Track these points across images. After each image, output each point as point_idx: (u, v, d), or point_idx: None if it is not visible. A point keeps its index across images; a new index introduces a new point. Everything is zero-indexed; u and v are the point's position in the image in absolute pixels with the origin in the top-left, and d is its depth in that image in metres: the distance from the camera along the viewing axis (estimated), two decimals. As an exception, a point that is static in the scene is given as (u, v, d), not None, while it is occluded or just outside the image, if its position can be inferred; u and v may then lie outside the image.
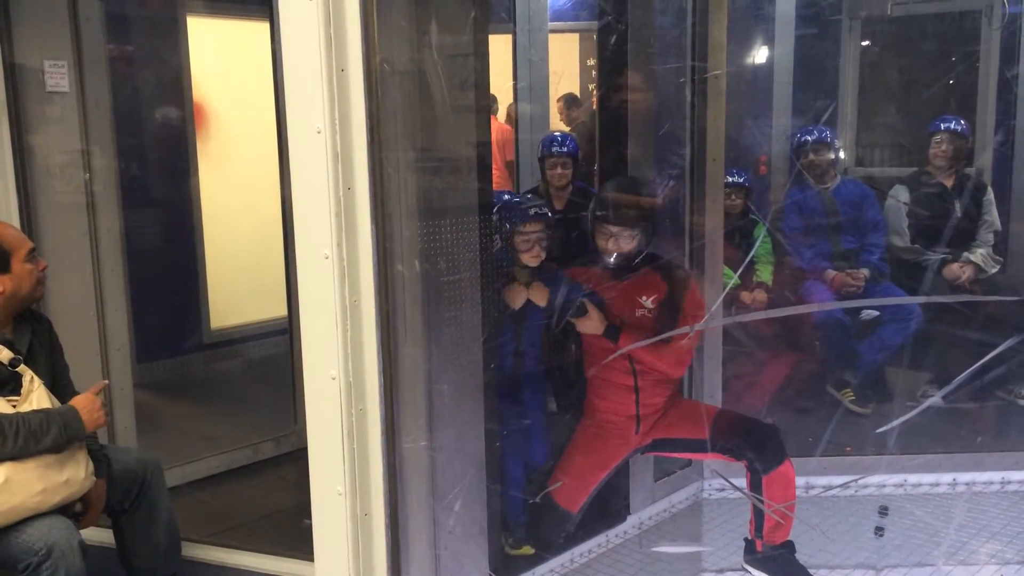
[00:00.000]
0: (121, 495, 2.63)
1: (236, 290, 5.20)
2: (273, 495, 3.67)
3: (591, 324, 3.00)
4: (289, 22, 1.79)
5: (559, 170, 4.33)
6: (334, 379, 1.75)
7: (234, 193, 5.21)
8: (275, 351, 5.03)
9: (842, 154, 5.40)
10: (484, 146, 2.73)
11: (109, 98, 3.46)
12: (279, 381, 4.24)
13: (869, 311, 2.63)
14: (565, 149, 4.33)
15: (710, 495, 3.66)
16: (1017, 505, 3.62)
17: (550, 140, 4.48)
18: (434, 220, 2.43)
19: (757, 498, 2.94)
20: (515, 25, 5.08)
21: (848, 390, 4.33)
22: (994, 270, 4.35)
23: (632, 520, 3.38)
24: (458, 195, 2.57)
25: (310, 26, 1.75)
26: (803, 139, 4.52)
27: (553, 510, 3.06)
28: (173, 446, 3.89)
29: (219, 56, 5.20)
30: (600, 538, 3.27)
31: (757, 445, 2.98)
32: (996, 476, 3.65)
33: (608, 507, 3.33)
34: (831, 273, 4.33)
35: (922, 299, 2.58)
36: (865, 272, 4.29)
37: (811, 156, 4.46)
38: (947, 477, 3.58)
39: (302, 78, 1.76)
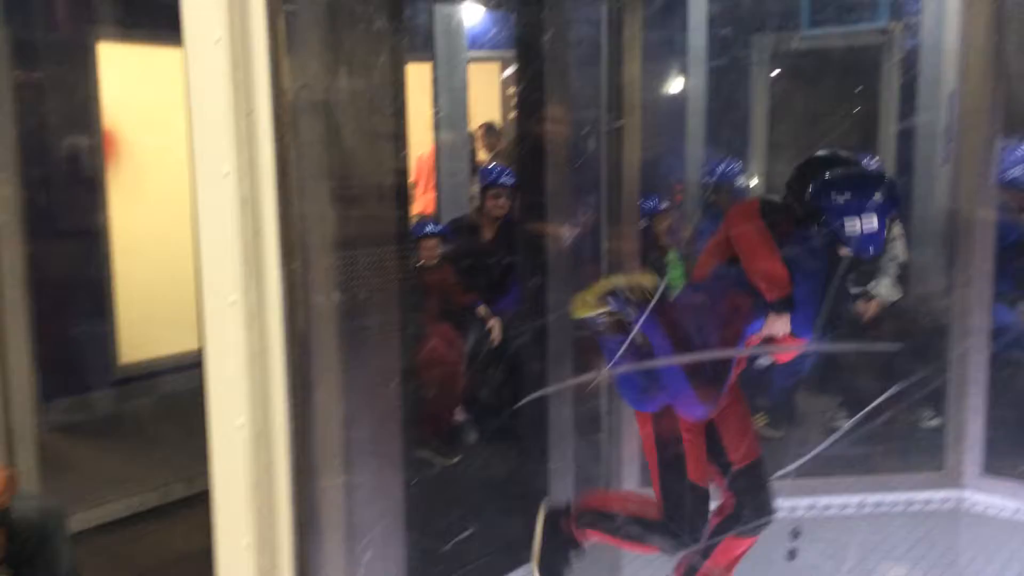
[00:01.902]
0: (20, 545, 2.52)
1: (150, 323, 5.06)
2: (182, 538, 3.57)
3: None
4: (195, 64, 1.76)
5: (501, 201, 4.39)
6: (241, 427, 1.72)
7: (148, 223, 5.08)
8: (189, 385, 4.89)
9: (755, 181, 5.57)
10: (402, 175, 2.75)
11: (13, 127, 3.35)
12: (192, 417, 4.13)
13: (762, 360, 2.73)
14: (508, 180, 4.39)
15: (629, 523, 3.69)
16: (922, 525, 3.75)
17: (494, 171, 4.54)
18: (352, 251, 2.42)
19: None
20: (434, 54, 5.11)
21: (762, 414, 4.44)
22: (897, 298, 4.53)
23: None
24: (377, 225, 2.57)
25: (216, 68, 1.72)
26: (715, 173, 4.70)
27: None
28: (78, 489, 3.75)
29: (133, 83, 5.08)
30: (518, 573, 3.26)
31: (759, 507, 2.94)
32: (901, 497, 3.79)
33: (521, 541, 3.33)
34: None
35: (812, 348, 2.71)
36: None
37: (722, 192, 4.64)
38: (855, 499, 3.69)
39: (209, 121, 1.74)
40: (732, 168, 4.85)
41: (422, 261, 4.18)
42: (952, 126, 4.07)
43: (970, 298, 3.80)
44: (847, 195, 2.70)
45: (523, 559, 3.27)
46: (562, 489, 3.40)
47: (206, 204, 1.76)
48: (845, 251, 2.76)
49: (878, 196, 2.70)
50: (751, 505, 2.92)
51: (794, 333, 2.74)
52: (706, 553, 2.98)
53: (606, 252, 3.70)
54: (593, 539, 3.03)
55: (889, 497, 3.69)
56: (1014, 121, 3.99)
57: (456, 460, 4.05)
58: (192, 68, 1.77)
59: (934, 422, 4.12)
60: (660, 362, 2.78)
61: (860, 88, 5.46)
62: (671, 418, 2.83)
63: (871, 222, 2.66)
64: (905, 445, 4.07)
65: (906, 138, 4.81)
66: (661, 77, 5.32)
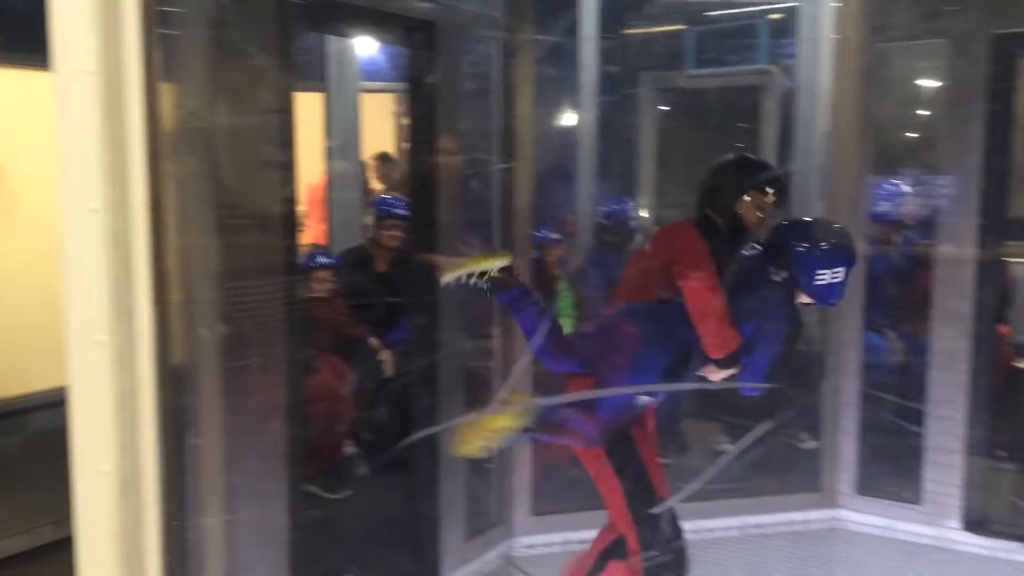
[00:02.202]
0: None
1: (20, 356, 4.81)
2: (52, 584, 3.41)
3: None
4: (64, 95, 1.71)
5: (395, 232, 4.38)
6: (106, 474, 1.66)
7: (21, 252, 4.84)
8: (60, 423, 4.66)
9: (644, 213, 5.72)
10: (290, 204, 2.72)
11: None
12: (64, 456, 3.94)
13: (644, 397, 2.79)
14: (402, 212, 4.39)
15: (521, 553, 3.71)
16: (801, 544, 3.89)
17: (388, 202, 4.52)
18: (237, 283, 2.38)
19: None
20: (327, 83, 5.08)
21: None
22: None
23: (443, 584, 3.37)
24: (264, 256, 2.54)
25: (87, 100, 1.67)
26: (607, 213, 4.82)
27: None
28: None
29: (10, 108, 4.86)
30: (411, 605, 3.24)
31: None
32: (781, 518, 3.92)
33: (419, 570, 3.31)
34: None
35: (688, 386, 2.81)
36: None
37: (612, 232, 4.77)
38: (737, 521, 3.81)
39: (78, 154, 1.68)
40: (625, 208, 4.98)
41: (313, 292, 4.12)
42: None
43: (843, 327, 4.00)
44: (822, 247, 2.80)
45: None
46: (454, 521, 3.40)
47: (73, 241, 1.70)
48: (805, 300, 2.84)
49: (847, 248, 2.83)
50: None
51: (744, 377, 2.80)
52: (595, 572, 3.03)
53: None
54: None
55: (769, 518, 3.82)
56: (881, 160, 4.23)
57: (344, 495, 3.99)
58: (61, 99, 1.72)
59: (811, 445, 4.29)
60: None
61: (742, 126, 5.69)
62: (626, 440, 2.86)
63: (839, 274, 2.78)
64: (784, 468, 4.23)
65: (784, 175, 5.03)
66: (553, 111, 5.43)
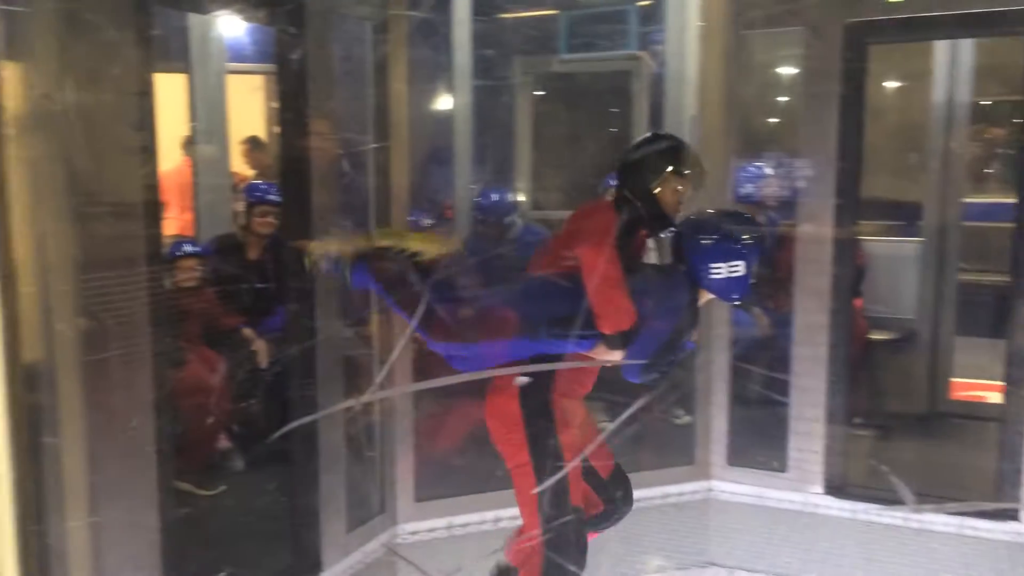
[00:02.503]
0: None
1: None
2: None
3: None
4: None
5: (268, 219, 4.26)
6: (-47, 478, 1.55)
7: None
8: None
9: (521, 198, 5.75)
10: (152, 190, 2.60)
11: None
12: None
13: (521, 378, 2.78)
14: (276, 198, 4.27)
15: (404, 540, 3.69)
16: (674, 516, 4.02)
17: (260, 188, 4.39)
18: (96, 273, 2.27)
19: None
20: (189, 65, 4.87)
21: None
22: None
23: (325, 576, 3.32)
24: (124, 244, 2.42)
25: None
26: (485, 201, 4.76)
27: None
28: None
29: None
30: (292, 599, 3.17)
31: (628, 501, 3.02)
32: (658, 491, 4.05)
33: (297, 565, 3.25)
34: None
35: (565, 365, 2.79)
36: None
37: (487, 223, 4.74)
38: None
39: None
40: (501, 198, 4.94)
41: (180, 282, 3.96)
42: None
43: (712, 305, 4.13)
44: (715, 239, 2.65)
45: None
46: (334, 512, 3.35)
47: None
48: (707, 296, 2.73)
49: (746, 240, 2.66)
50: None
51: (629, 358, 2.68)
52: None
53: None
54: None
55: (647, 492, 3.93)
56: (746, 143, 4.39)
57: (219, 490, 3.87)
58: None
59: (685, 420, 4.43)
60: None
61: (613, 110, 5.80)
62: (552, 446, 2.76)
63: (737, 268, 2.64)
64: (660, 443, 4.36)
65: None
66: (427, 95, 5.38)
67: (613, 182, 4.79)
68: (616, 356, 2.66)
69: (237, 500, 3.84)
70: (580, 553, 2.79)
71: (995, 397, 4.23)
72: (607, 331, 2.63)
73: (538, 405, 2.75)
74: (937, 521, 3.81)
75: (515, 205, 4.99)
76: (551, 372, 2.74)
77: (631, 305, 2.61)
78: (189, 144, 5.09)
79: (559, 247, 2.80)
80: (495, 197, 4.95)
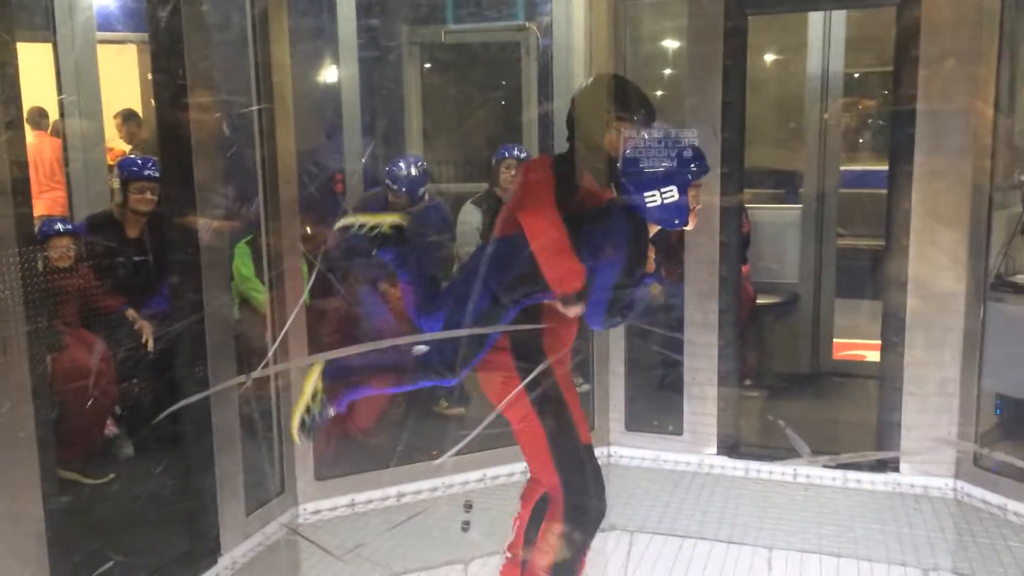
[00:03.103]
0: None
1: None
2: None
3: None
4: None
5: (147, 195, 4.05)
6: None
7: None
8: None
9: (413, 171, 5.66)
10: (20, 167, 2.46)
11: None
12: None
13: (420, 347, 2.74)
14: (154, 173, 4.06)
15: (305, 520, 3.62)
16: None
17: (136, 163, 4.16)
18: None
19: None
20: (55, 34, 4.58)
21: (443, 400, 4.54)
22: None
23: (224, 560, 3.22)
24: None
25: None
26: (397, 171, 4.61)
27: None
28: None
29: None
30: (190, 586, 3.07)
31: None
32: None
33: (196, 549, 3.14)
34: (384, 286, 4.46)
35: (464, 332, 2.74)
36: None
37: (402, 193, 4.59)
38: (520, 467, 3.91)
39: None
40: (419, 169, 4.73)
41: (54, 262, 3.74)
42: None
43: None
44: (641, 166, 2.55)
45: (194, 572, 3.08)
46: (232, 494, 3.24)
47: None
48: (654, 228, 2.66)
49: (676, 164, 2.56)
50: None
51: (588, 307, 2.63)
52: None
53: (266, 242, 3.58)
54: None
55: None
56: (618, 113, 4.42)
57: (108, 478, 3.70)
58: None
59: (584, 388, 4.49)
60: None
61: (503, 80, 5.78)
62: (551, 387, 2.70)
63: (670, 194, 2.56)
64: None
65: (546, 126, 5.17)
66: (313, 65, 5.23)
67: (510, 153, 4.81)
68: (575, 312, 2.63)
69: (129, 487, 3.68)
70: (600, 491, 2.79)
71: (873, 356, 4.44)
72: (557, 292, 2.60)
73: (531, 362, 2.70)
74: (824, 475, 3.99)
75: (428, 176, 4.84)
76: (538, 332, 2.70)
77: (578, 264, 2.57)
78: (38, 117, 4.80)
79: (510, 208, 2.73)
80: (410, 169, 4.68)
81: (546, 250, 2.55)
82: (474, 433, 3.02)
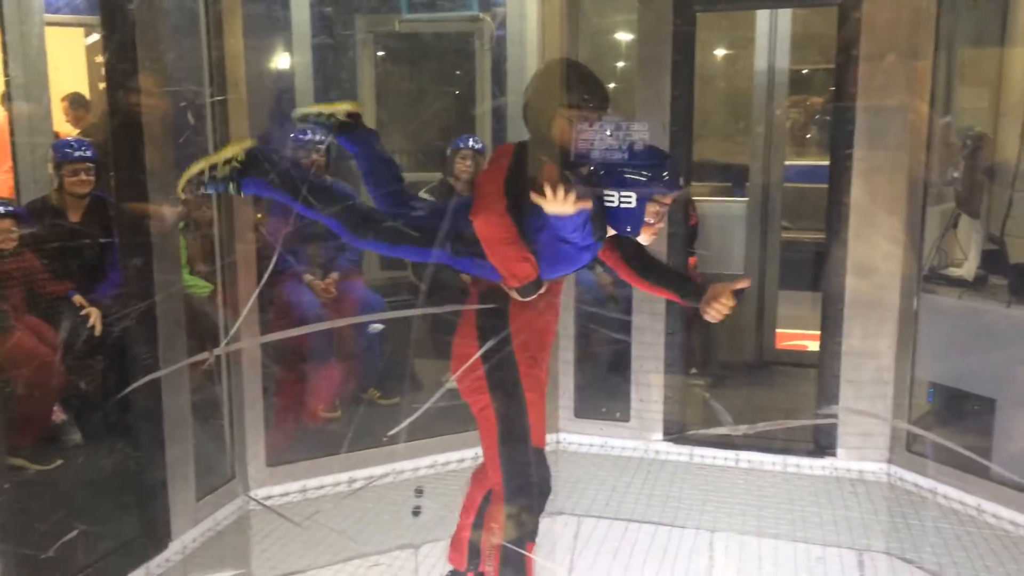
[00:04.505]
0: None
1: None
2: None
3: None
4: None
5: (83, 176, 4.01)
6: None
7: None
8: None
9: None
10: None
11: None
12: None
13: (375, 325, 2.75)
14: (88, 154, 4.00)
15: (256, 506, 3.63)
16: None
17: (68, 144, 4.11)
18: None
19: None
20: (1, 16, 4.50)
21: (372, 390, 4.57)
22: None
23: (175, 546, 3.22)
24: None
25: None
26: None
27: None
28: None
29: None
30: (139, 572, 3.07)
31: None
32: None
33: (146, 535, 3.14)
34: (308, 278, 4.47)
35: (417, 311, 2.75)
36: (334, 276, 4.50)
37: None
38: (471, 453, 3.98)
39: None
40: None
41: (-1, 245, 3.70)
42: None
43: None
44: (595, 156, 2.48)
45: (144, 558, 3.09)
46: (183, 480, 3.25)
47: None
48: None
49: (643, 172, 2.49)
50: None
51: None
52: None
53: (219, 229, 3.58)
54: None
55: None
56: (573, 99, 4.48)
57: (56, 465, 3.67)
58: None
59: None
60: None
61: (457, 71, 5.80)
62: (514, 387, 2.71)
63: (629, 200, 2.49)
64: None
65: (499, 118, 5.22)
66: (266, 52, 5.20)
67: (465, 144, 4.84)
68: (531, 298, 2.67)
69: (77, 474, 3.65)
70: (541, 496, 2.81)
71: (815, 346, 4.59)
72: (512, 285, 2.62)
73: (497, 347, 2.70)
74: (765, 460, 4.11)
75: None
76: (505, 314, 2.71)
77: (529, 258, 2.57)
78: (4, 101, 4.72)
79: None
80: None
81: (498, 250, 2.57)
82: (429, 403, 3.06)
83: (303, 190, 2.72)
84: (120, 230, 3.18)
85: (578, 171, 2.55)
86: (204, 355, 2.63)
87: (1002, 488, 3.52)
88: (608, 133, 2.50)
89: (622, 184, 2.49)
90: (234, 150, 2.77)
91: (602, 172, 2.50)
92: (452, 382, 2.84)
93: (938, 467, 3.73)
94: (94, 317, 3.78)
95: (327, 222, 2.76)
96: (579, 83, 2.71)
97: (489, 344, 2.70)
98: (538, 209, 2.38)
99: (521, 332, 2.74)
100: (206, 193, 2.92)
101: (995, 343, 3.70)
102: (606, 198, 2.51)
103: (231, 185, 2.77)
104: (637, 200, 2.49)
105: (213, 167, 2.76)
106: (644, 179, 2.48)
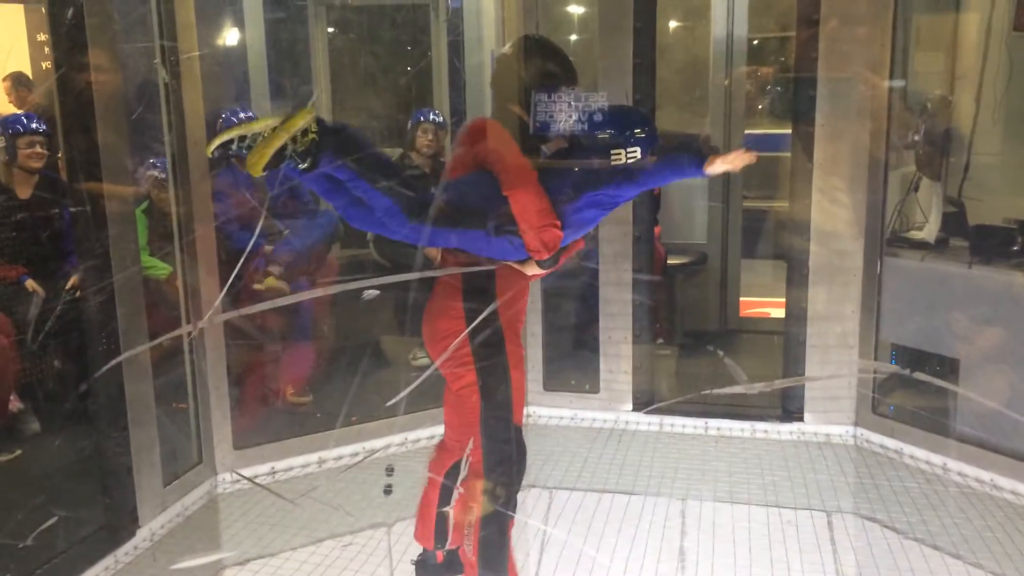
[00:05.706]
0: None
1: None
2: None
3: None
4: None
5: (37, 149, 3.90)
6: None
7: None
8: None
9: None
10: None
11: None
12: None
13: (371, 291, 2.67)
14: (43, 128, 3.94)
15: (225, 489, 3.57)
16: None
17: (20, 118, 4.01)
18: None
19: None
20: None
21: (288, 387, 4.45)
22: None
23: (143, 533, 3.15)
24: None
25: None
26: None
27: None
28: None
29: None
30: (108, 560, 2.99)
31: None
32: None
33: (113, 523, 3.07)
34: (259, 276, 4.32)
35: (405, 276, 2.69)
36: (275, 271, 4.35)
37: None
38: (441, 429, 3.94)
39: None
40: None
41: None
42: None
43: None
44: (553, 129, 2.57)
45: (112, 546, 3.02)
46: (148, 466, 3.17)
47: None
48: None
49: (640, 130, 2.66)
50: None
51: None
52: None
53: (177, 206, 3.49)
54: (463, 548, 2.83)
55: (470, 421, 3.99)
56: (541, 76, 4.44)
57: (15, 455, 3.56)
58: None
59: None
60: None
61: (412, 44, 5.71)
62: (500, 364, 2.68)
63: (634, 153, 2.62)
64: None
65: (457, 91, 5.15)
66: (218, 26, 5.07)
67: (426, 117, 4.77)
68: (540, 271, 2.67)
69: (36, 464, 3.55)
70: (519, 473, 2.81)
71: (778, 312, 4.62)
72: (541, 258, 2.61)
73: (484, 324, 2.65)
74: (733, 427, 4.15)
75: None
76: (493, 287, 2.68)
77: (558, 225, 2.60)
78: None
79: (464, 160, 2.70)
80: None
81: (529, 216, 2.54)
82: (418, 381, 3.01)
83: (372, 166, 2.48)
84: (74, 210, 3.06)
85: (558, 143, 2.64)
86: (188, 327, 2.51)
87: (966, 446, 3.59)
88: (581, 103, 2.60)
89: (628, 143, 2.64)
90: (305, 120, 2.36)
91: (608, 134, 2.63)
92: (426, 359, 2.78)
93: (903, 428, 3.80)
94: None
95: (379, 204, 2.49)
96: (550, 59, 2.72)
97: (478, 320, 2.65)
98: (567, 178, 2.57)
99: (508, 308, 2.70)
100: (287, 175, 2.39)
101: (958, 304, 3.75)
102: (613, 158, 2.62)
103: (309, 160, 2.38)
104: (641, 152, 2.66)
105: (294, 139, 2.34)
106: (645, 134, 2.67)
